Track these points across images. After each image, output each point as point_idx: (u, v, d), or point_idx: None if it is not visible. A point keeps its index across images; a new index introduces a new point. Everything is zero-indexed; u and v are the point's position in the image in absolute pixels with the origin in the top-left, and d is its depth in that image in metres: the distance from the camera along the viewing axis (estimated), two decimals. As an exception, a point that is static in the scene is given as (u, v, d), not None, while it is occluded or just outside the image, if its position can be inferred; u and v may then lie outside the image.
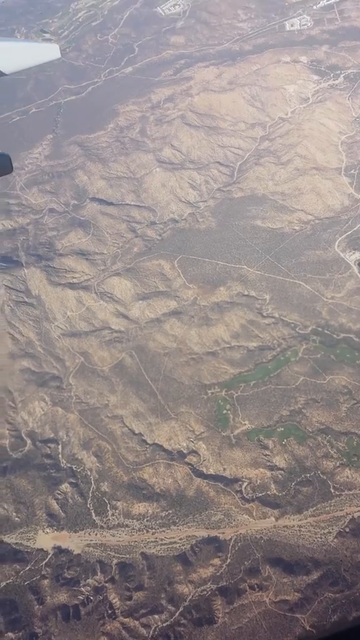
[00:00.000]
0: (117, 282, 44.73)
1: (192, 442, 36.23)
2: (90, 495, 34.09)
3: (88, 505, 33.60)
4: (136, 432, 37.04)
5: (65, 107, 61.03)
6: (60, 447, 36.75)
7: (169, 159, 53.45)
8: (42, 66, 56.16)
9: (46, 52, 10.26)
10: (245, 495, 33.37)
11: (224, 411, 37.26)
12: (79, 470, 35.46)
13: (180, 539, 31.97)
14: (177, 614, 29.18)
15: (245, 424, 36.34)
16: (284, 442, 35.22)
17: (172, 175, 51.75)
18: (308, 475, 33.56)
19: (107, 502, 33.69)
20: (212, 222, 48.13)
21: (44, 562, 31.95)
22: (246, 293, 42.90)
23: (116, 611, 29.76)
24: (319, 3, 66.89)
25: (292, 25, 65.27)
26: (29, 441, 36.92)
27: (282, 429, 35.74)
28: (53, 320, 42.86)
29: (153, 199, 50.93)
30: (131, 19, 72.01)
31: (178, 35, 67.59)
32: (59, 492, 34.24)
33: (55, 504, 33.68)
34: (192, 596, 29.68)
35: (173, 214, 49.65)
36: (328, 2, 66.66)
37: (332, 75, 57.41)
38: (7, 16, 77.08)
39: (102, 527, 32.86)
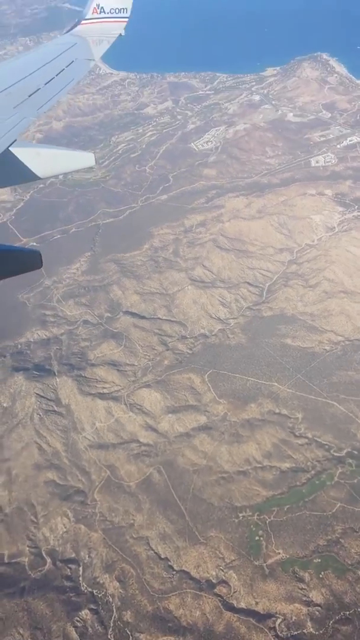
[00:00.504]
0: (147, 394, 46.40)
1: (222, 570, 35.31)
2: (112, 625, 32.73)
3: (109, 637, 32.14)
4: (162, 556, 36.31)
5: (104, 228, 67.29)
6: (81, 568, 35.95)
7: (201, 277, 57.79)
8: (83, 190, 63.28)
9: (82, 159, 11.02)
10: (279, 633, 31.83)
11: (256, 537, 36.65)
12: (100, 595, 34.37)
13: None
14: None
15: (279, 553, 35.58)
16: (321, 575, 34.18)
17: (203, 293, 55.64)
18: (347, 612, 32.18)
19: (129, 634, 32.24)
20: (242, 338, 50.80)
21: None
22: (277, 411, 44.09)
23: None
24: (343, 142, 75.73)
25: (317, 162, 73.39)
26: (49, 560, 36.26)
27: (319, 560, 34.86)
28: (81, 430, 43.97)
29: (184, 314, 54.31)
30: (167, 153, 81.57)
31: (210, 168, 76.05)
32: (78, 619, 32.95)
33: (74, 632, 32.27)
34: None
35: (204, 329, 52.62)
36: (351, 142, 75.48)
37: (356, 207, 63.42)
38: (53, 145, 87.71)
39: (122, 664, 31.19)
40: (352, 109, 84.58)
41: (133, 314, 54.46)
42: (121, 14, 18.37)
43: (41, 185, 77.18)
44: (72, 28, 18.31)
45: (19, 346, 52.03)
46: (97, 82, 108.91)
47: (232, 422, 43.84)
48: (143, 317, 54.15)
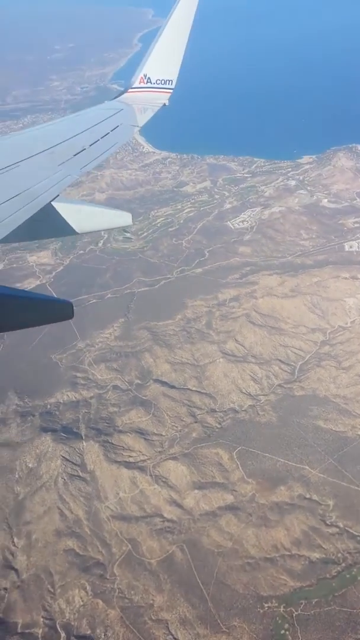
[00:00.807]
0: (173, 467, 45.84)
1: (245, 665, 33.34)
2: None
3: None
4: (181, 643, 34.59)
5: (139, 296, 69.23)
6: (95, 648, 34.35)
7: (232, 351, 58.41)
8: (121, 259, 65.88)
9: (120, 218, 11.20)
10: None
11: (282, 631, 34.81)
12: None
13: None
14: None
15: (306, 651, 33.62)
16: None
17: (234, 367, 56.05)
18: None
19: None
20: (272, 416, 50.50)
21: None
22: (308, 496, 42.98)
23: None
24: (375, 232, 78.13)
25: (350, 247, 75.50)
26: (63, 634, 34.71)
27: (350, 663, 32.78)
28: (104, 499, 43.29)
29: (214, 386, 54.50)
30: (204, 229, 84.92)
31: (245, 246, 78.73)
32: None
33: None
34: None
35: (233, 403, 52.55)
36: (383, 232, 77.87)
37: (390, 294, 64.45)
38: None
39: None
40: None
41: (163, 383, 54.86)
42: (167, 85, 19.20)
43: (81, 252, 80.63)
44: (119, 95, 19.29)
45: (48, 406, 52.45)
46: (140, 159, 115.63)
47: (260, 504, 42.78)
48: (173, 387, 54.47)
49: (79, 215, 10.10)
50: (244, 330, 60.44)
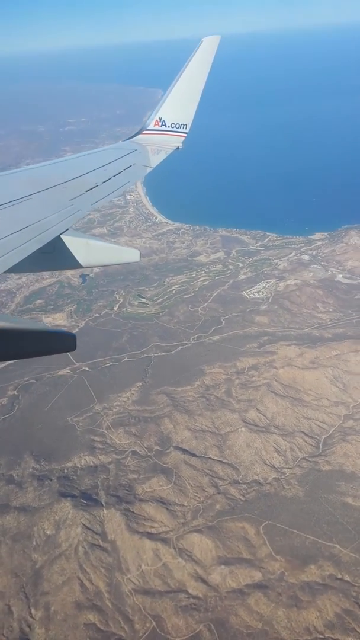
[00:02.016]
0: (197, 540, 44.96)
1: None
2: None
3: None
4: None
5: (156, 360, 70.26)
6: None
7: (254, 421, 58.74)
8: (137, 324, 67.53)
9: (127, 254, 10.98)
10: None
11: None
12: None
13: None
14: None
15: None
16: None
17: (257, 437, 56.19)
18: None
19: None
20: (299, 490, 50.15)
21: None
22: (340, 576, 42.04)
23: None
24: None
25: (368, 322, 77.74)
26: None
27: None
28: (126, 571, 42.11)
29: (237, 457, 54.38)
30: (219, 297, 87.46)
31: (262, 315, 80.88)
32: None
33: None
34: None
35: (257, 475, 52.26)
36: None
37: None
38: (109, 280, 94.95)
39: None
40: None
41: (184, 451, 54.72)
42: (181, 129, 19.64)
43: (96, 315, 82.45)
44: (133, 136, 19.88)
45: (66, 470, 51.95)
46: (153, 229, 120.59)
47: (290, 583, 41.75)
48: (194, 455, 54.30)
49: (88, 249, 10.36)
50: (266, 399, 61.08)
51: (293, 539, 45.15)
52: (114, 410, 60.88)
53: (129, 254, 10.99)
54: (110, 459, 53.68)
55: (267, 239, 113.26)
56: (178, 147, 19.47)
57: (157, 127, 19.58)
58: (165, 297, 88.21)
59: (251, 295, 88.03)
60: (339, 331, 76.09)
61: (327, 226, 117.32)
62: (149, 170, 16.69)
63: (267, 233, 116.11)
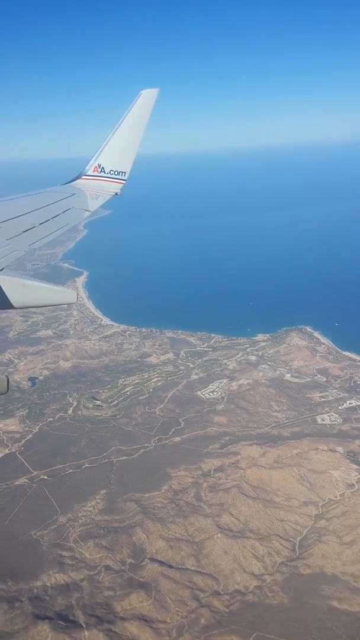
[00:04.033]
0: (186, 661, 42.37)
1: None
2: None
3: None
4: None
5: (118, 465, 68.68)
6: None
7: (228, 525, 57.91)
8: (94, 427, 66.72)
9: (63, 295, 10.87)
10: None
11: None
12: None
13: None
14: None
15: None
16: None
17: (234, 543, 55.22)
18: None
19: None
20: (283, 597, 49.10)
21: None
22: None
23: None
24: (343, 404, 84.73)
25: (323, 420, 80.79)
26: None
27: None
28: None
29: (215, 565, 52.87)
30: (175, 398, 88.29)
31: (220, 415, 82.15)
32: None
33: None
34: None
35: (238, 584, 50.82)
36: (351, 404, 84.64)
37: (372, 465, 68.46)
38: (60, 382, 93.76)
39: None
40: (344, 376, 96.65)
41: (160, 562, 52.65)
42: (119, 176, 20.18)
43: (50, 419, 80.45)
44: (72, 180, 20.21)
45: (35, 590, 48.20)
46: (100, 331, 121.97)
47: None
48: (171, 567, 52.34)
49: (24, 290, 10.14)
50: (237, 502, 60.83)
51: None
52: (79, 521, 58.13)
53: (66, 295, 10.89)
54: (82, 576, 50.58)
55: (212, 340, 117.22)
56: (117, 194, 20.21)
57: (95, 173, 20.11)
58: (120, 398, 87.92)
59: (206, 395, 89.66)
60: (296, 430, 78.40)
61: (267, 328, 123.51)
62: (87, 214, 16.95)
63: (212, 334, 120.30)
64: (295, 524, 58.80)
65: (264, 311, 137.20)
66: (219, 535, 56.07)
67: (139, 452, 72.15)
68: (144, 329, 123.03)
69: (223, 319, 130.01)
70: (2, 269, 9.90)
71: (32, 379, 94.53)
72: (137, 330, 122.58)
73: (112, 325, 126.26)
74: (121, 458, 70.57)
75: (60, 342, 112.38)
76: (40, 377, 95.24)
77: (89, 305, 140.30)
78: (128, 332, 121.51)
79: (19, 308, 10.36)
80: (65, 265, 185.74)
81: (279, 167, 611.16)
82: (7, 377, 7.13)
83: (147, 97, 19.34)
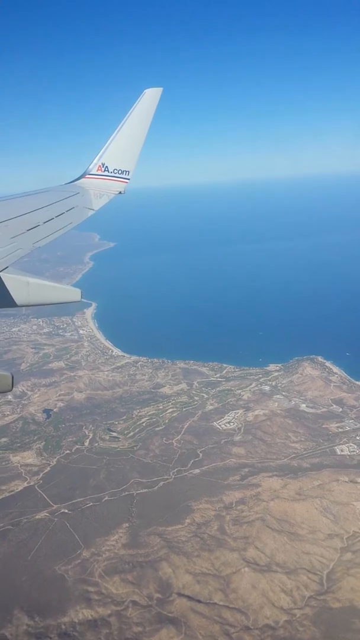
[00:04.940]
0: None
1: None
2: None
3: None
4: None
5: (139, 498, 68.52)
6: None
7: (254, 559, 57.59)
8: (112, 459, 66.85)
9: (68, 293, 10.89)
10: None
11: None
12: None
13: None
14: None
15: None
16: None
17: (261, 577, 54.85)
18: None
19: None
20: (315, 632, 48.62)
21: None
22: None
23: None
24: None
25: (342, 451, 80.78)
26: None
27: None
28: None
29: (243, 600, 52.44)
30: (191, 429, 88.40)
31: (238, 446, 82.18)
32: None
33: None
34: None
35: (268, 619, 50.35)
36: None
37: None
38: (75, 414, 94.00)
39: None
40: (359, 406, 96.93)
41: (188, 597, 52.25)
42: (123, 175, 20.26)
43: (67, 452, 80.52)
44: (76, 179, 20.23)
45: (63, 626, 47.83)
46: (111, 362, 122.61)
47: None
48: (199, 601, 51.91)
49: (28, 288, 10.18)
50: (262, 535, 60.59)
51: None
52: (103, 555, 57.86)
53: (70, 293, 10.93)
54: (109, 611, 50.19)
55: (225, 370, 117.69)
56: (120, 192, 20.28)
57: (99, 172, 20.22)
58: (137, 430, 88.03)
59: (222, 426, 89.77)
60: (315, 461, 78.33)
61: (278, 358, 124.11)
62: (91, 213, 16.95)
63: (224, 364, 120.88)
64: (322, 557, 58.45)
65: (274, 341, 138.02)
66: (246, 569, 55.74)
67: (158, 484, 72.03)
68: (155, 360, 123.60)
69: (233, 349, 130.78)
70: (6, 267, 9.79)
71: (47, 411, 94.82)
72: (149, 360, 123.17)
73: (124, 356, 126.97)
74: (141, 491, 70.44)
75: (72, 374, 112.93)
76: (54, 409, 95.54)
77: (99, 336, 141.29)
78: (140, 362, 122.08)
79: (23, 306, 10.36)
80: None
81: (278, 199, 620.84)
82: (12, 374, 7.16)
83: (151, 96, 19.52)
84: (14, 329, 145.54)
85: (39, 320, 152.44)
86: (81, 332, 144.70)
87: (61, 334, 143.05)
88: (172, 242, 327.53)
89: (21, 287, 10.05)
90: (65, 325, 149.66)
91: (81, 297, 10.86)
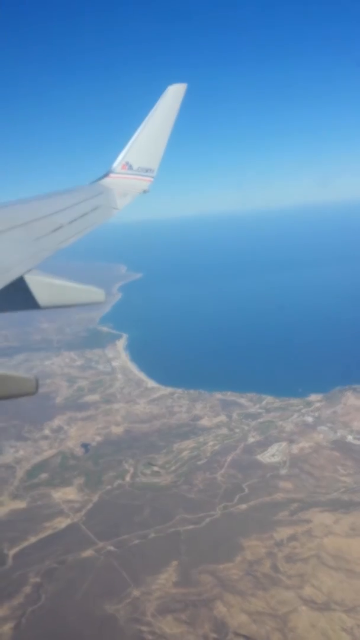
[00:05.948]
0: None
1: None
2: None
3: None
4: None
5: (186, 535, 68.43)
6: None
7: (311, 597, 56.86)
8: (156, 494, 67.14)
9: (91, 294, 10.85)
10: None
11: None
12: None
13: None
14: None
15: None
16: None
17: (320, 616, 54.08)
18: None
19: None
20: None
21: None
22: None
23: None
24: None
25: (395, 483, 79.66)
26: None
27: None
28: None
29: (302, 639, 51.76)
30: (234, 462, 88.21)
31: (285, 481, 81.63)
32: None
33: None
34: None
35: (331, 663, 49.49)
36: None
37: None
38: (114, 448, 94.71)
39: None
40: None
41: (245, 637, 51.82)
42: (148, 174, 20.28)
43: (109, 487, 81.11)
44: (100, 179, 20.29)
45: (120, 669, 47.70)
46: (147, 394, 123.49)
47: None
48: (257, 642, 51.35)
49: (51, 289, 10.27)
50: (318, 573, 59.89)
51: None
52: (154, 594, 57.83)
53: (94, 294, 10.96)
54: (166, 652, 49.94)
55: (264, 401, 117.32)
56: (145, 191, 20.37)
57: (124, 171, 20.30)
58: (178, 464, 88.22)
59: (266, 459, 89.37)
60: (367, 494, 77.31)
61: (318, 387, 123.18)
62: (115, 212, 17.08)
63: (262, 395, 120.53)
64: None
65: (313, 370, 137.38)
66: (304, 608, 55.07)
67: (205, 520, 71.90)
68: (192, 391, 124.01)
69: (271, 378, 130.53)
70: (30, 269, 9.84)
71: (85, 445, 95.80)
72: (185, 392, 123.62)
73: (159, 387, 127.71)
74: (188, 527, 70.38)
75: (108, 407, 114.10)
76: (93, 443, 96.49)
77: (133, 368, 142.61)
78: (176, 394, 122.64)
79: (46, 308, 10.41)
80: (104, 328, 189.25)
81: (313, 225, 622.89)
82: (37, 378, 7.19)
83: (175, 92, 19.75)
84: (46, 362, 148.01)
85: (71, 352, 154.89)
86: (114, 364, 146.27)
87: (94, 366, 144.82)
88: (198, 273, 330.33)
89: (44, 289, 10.21)
90: (97, 358, 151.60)
91: (104, 299, 11.02)
